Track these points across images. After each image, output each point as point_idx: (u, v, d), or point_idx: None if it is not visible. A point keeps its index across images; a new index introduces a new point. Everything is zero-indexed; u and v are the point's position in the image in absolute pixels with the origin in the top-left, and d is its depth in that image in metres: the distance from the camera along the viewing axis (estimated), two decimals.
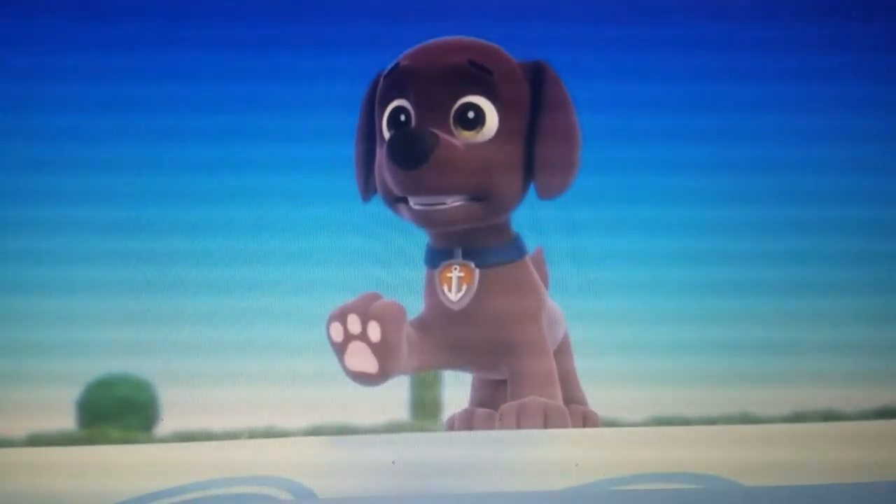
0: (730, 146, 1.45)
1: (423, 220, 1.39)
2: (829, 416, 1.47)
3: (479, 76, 1.37)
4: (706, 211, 1.46)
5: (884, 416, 1.47)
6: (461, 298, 1.40)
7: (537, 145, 1.39)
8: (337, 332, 1.37)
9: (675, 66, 1.44)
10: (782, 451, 1.45)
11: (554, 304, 1.45)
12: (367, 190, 1.43)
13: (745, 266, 1.46)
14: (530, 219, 1.42)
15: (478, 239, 1.40)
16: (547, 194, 1.40)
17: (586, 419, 1.45)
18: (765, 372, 1.46)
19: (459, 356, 1.43)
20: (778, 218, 1.47)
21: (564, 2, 1.45)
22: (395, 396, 1.43)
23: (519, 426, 1.39)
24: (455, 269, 1.41)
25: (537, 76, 1.39)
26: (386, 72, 1.40)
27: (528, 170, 1.39)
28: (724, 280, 1.45)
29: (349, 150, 1.44)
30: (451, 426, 1.46)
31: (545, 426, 1.39)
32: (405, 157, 1.35)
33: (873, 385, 1.47)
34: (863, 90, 1.45)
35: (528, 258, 1.43)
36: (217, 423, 1.44)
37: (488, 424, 1.43)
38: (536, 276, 1.43)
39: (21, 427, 1.44)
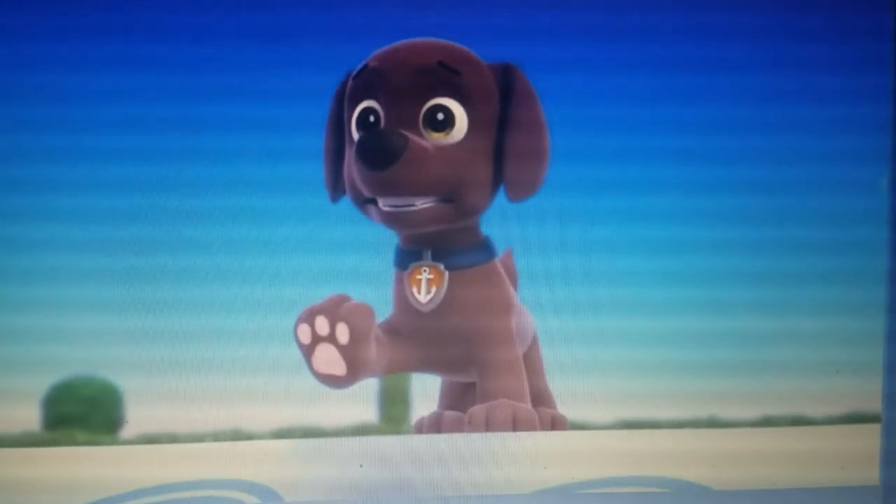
0: (699, 138, 1.45)
1: (393, 221, 1.39)
2: (798, 421, 1.47)
3: (449, 78, 1.37)
4: (675, 227, 1.46)
5: (852, 420, 1.48)
6: (430, 300, 1.40)
7: (506, 147, 1.39)
8: (305, 333, 1.37)
9: (647, 78, 1.45)
10: (751, 455, 1.46)
11: (523, 306, 1.45)
12: (336, 191, 1.42)
13: (715, 266, 1.46)
14: (500, 229, 1.43)
15: (447, 241, 1.40)
16: (516, 197, 1.40)
17: (555, 422, 1.45)
18: (733, 376, 1.46)
19: (428, 358, 1.42)
20: (745, 233, 1.47)
21: (537, 15, 1.45)
22: (363, 399, 1.42)
23: (488, 429, 1.39)
24: (424, 270, 1.41)
25: (506, 78, 1.39)
26: (355, 72, 1.39)
27: (498, 172, 1.39)
28: (695, 280, 1.45)
29: (318, 166, 1.43)
30: (420, 429, 1.46)
31: (514, 429, 1.40)
32: (374, 158, 1.35)
33: (841, 390, 1.47)
34: (831, 80, 1.46)
35: (497, 260, 1.43)
36: (182, 426, 1.43)
37: (457, 427, 1.43)
38: (506, 279, 1.43)
39: None
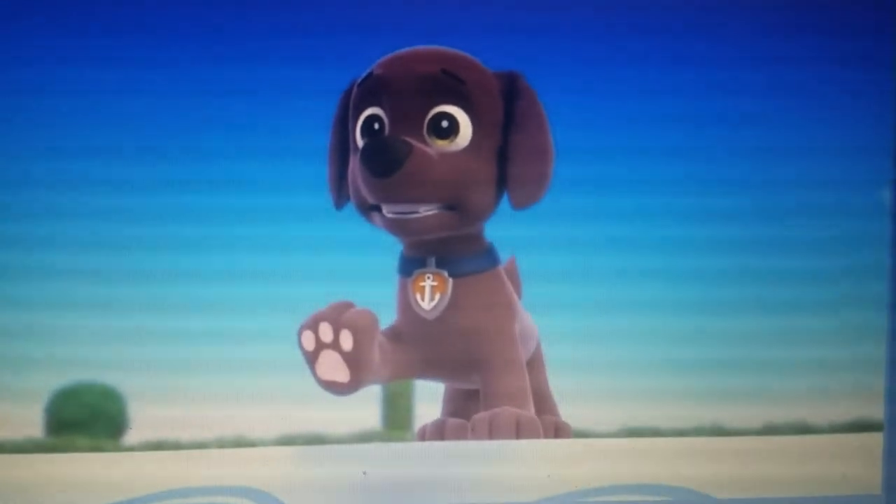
0: (701, 163, 1.46)
1: (397, 228, 1.39)
2: (801, 430, 1.48)
3: (453, 85, 1.37)
4: (679, 228, 1.47)
5: (854, 429, 1.48)
6: (434, 307, 1.40)
7: (510, 155, 1.39)
8: (308, 340, 1.37)
9: (650, 81, 1.45)
10: (754, 463, 1.46)
11: (527, 314, 1.45)
12: (341, 198, 1.43)
13: (718, 280, 1.46)
14: (504, 232, 1.43)
15: (451, 248, 1.40)
16: (520, 204, 1.40)
17: (558, 430, 1.45)
18: (737, 384, 1.46)
19: (432, 365, 1.42)
20: (749, 233, 1.47)
21: (540, 16, 1.45)
22: (366, 406, 1.43)
23: (491, 437, 1.39)
24: (428, 277, 1.41)
25: (511, 86, 1.40)
26: (360, 80, 1.40)
27: (502, 179, 1.39)
28: (698, 293, 1.46)
29: (323, 170, 1.43)
30: (423, 437, 1.46)
31: (517, 437, 1.40)
32: (378, 166, 1.35)
33: (844, 399, 1.47)
34: (836, 105, 1.46)
35: (501, 268, 1.43)
36: (186, 433, 1.43)
37: (460, 435, 1.43)
38: (509, 286, 1.43)
39: None
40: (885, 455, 1.47)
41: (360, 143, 1.39)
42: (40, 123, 1.43)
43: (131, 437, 1.44)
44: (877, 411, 1.48)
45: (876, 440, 1.47)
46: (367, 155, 1.36)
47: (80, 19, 1.43)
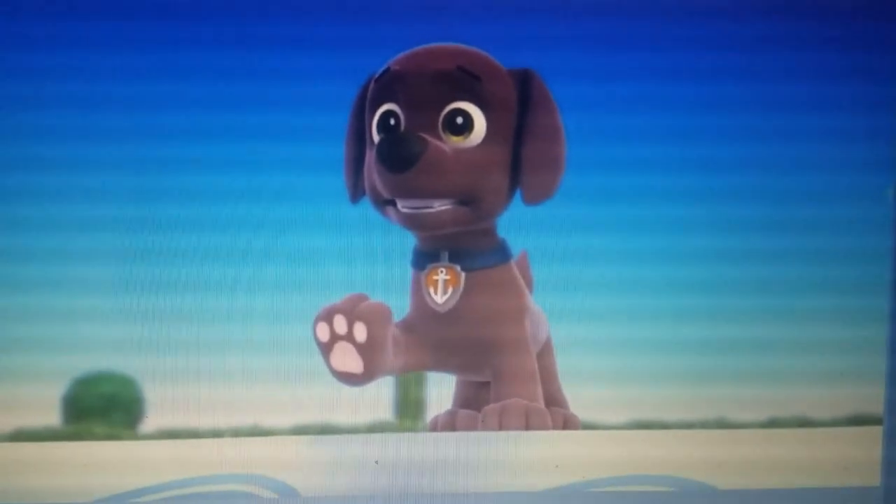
0: (708, 146, 1.47)
1: (411, 222, 1.41)
2: (803, 422, 1.50)
3: (469, 82, 1.39)
4: (684, 214, 1.48)
5: (855, 422, 1.50)
6: (447, 301, 1.43)
7: (524, 152, 1.41)
8: (323, 332, 1.39)
9: (658, 67, 1.46)
10: (757, 455, 1.48)
11: (538, 307, 1.47)
12: (356, 192, 1.44)
13: (724, 270, 1.48)
14: (512, 219, 1.44)
15: (464, 242, 1.42)
16: (532, 200, 1.42)
17: (566, 422, 1.47)
18: (741, 379, 1.48)
19: (444, 358, 1.44)
20: (754, 222, 1.49)
21: (552, 4, 1.46)
22: (379, 396, 1.44)
23: (501, 427, 1.42)
24: (441, 271, 1.43)
25: (525, 83, 1.41)
26: (376, 76, 1.41)
27: (515, 176, 1.41)
28: (704, 284, 1.47)
29: (339, 151, 1.45)
30: (434, 426, 1.48)
31: (526, 428, 1.42)
32: (394, 161, 1.37)
33: (846, 392, 1.49)
34: (840, 90, 1.47)
35: (513, 262, 1.45)
36: (201, 421, 1.44)
37: (471, 425, 1.45)
38: (521, 281, 1.45)
39: (5, 422, 1.44)
40: (883, 447, 1.50)
41: (375, 138, 1.41)
42: (60, 108, 1.43)
43: (147, 424, 1.46)
44: (876, 407, 1.50)
45: (875, 434, 1.50)
46: (383, 151, 1.38)
47: (91, 2, 1.43)
